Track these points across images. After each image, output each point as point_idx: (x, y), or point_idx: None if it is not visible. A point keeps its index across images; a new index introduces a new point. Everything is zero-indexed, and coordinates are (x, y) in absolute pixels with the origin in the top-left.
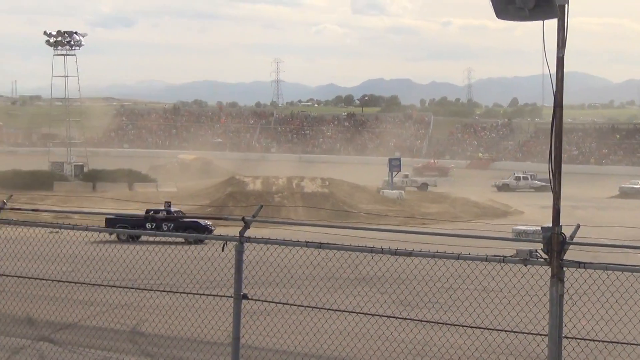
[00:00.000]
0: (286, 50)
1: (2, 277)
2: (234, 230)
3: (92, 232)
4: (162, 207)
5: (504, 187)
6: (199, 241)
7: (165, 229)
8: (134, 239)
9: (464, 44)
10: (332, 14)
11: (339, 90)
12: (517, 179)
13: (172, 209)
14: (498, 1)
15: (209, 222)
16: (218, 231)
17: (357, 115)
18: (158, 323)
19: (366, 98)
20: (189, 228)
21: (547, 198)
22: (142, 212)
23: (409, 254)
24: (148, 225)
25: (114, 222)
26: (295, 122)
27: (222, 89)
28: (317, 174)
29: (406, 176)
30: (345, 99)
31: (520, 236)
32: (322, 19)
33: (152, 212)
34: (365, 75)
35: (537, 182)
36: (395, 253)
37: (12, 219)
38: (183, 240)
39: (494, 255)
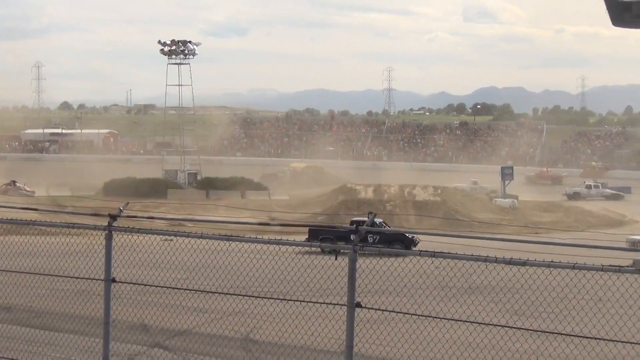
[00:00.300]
0: (398, 58)
1: (118, 284)
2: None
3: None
4: (364, 218)
5: (574, 196)
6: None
7: (370, 241)
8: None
9: (578, 51)
10: (444, 22)
11: (451, 99)
12: (588, 187)
13: (376, 219)
14: (614, 9)
15: (414, 235)
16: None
17: (469, 124)
18: (272, 331)
19: (478, 106)
20: (395, 240)
21: None
22: (255, 220)
23: (524, 263)
24: (353, 237)
25: (317, 234)
26: (406, 130)
27: (334, 97)
28: (429, 182)
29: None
30: (457, 107)
31: (635, 246)
32: (434, 27)
33: (358, 223)
34: (477, 83)
35: (607, 190)
36: (510, 262)
37: (128, 227)
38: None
39: (610, 265)
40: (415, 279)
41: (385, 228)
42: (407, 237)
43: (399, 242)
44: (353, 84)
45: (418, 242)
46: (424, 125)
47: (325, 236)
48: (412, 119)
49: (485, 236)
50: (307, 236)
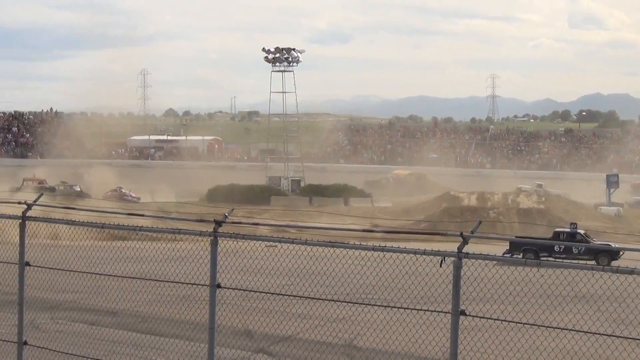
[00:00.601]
0: (502, 65)
1: (223, 290)
2: (451, 246)
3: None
4: (567, 229)
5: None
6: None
7: (575, 252)
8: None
9: None
10: (548, 29)
11: (556, 106)
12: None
13: (578, 230)
14: None
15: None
16: (433, 246)
17: (574, 131)
18: (375, 338)
19: (583, 113)
20: (601, 252)
21: None
22: (358, 227)
23: (631, 271)
24: (557, 247)
25: (519, 245)
26: (510, 137)
27: (438, 104)
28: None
29: None
30: (562, 114)
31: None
32: (539, 34)
33: (560, 234)
34: (582, 89)
35: None
36: (617, 271)
37: (233, 233)
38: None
39: None
40: (521, 286)
41: (589, 239)
42: (614, 247)
43: (604, 254)
44: (457, 90)
45: (621, 255)
46: (528, 132)
47: (527, 247)
48: (516, 126)
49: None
50: (507, 247)
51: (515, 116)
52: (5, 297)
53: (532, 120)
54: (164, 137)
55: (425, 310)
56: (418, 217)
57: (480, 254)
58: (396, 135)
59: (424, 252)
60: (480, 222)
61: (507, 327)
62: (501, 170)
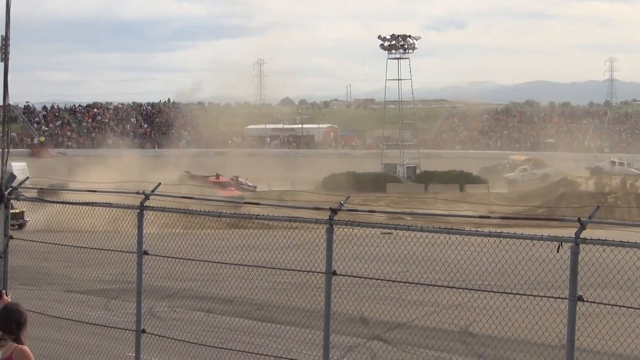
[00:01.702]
0: (621, 48)
1: (338, 277)
2: (568, 232)
3: None
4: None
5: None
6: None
7: None
8: None
9: None
10: None
11: None
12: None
13: None
14: None
15: None
16: (550, 232)
17: None
18: (491, 324)
19: None
20: None
21: None
22: (475, 213)
23: None
24: None
25: None
26: (629, 121)
27: (555, 88)
28: None
29: None
30: None
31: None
32: None
33: None
34: None
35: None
36: None
37: (348, 220)
38: None
39: None
40: None
41: None
42: None
43: None
44: (574, 75)
45: None
46: None
47: None
48: (636, 110)
49: None
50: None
51: (635, 100)
52: (124, 285)
53: None
54: (280, 126)
55: (542, 296)
56: (534, 202)
57: (598, 239)
58: (513, 120)
59: (541, 238)
60: (598, 207)
61: (625, 312)
62: (619, 154)
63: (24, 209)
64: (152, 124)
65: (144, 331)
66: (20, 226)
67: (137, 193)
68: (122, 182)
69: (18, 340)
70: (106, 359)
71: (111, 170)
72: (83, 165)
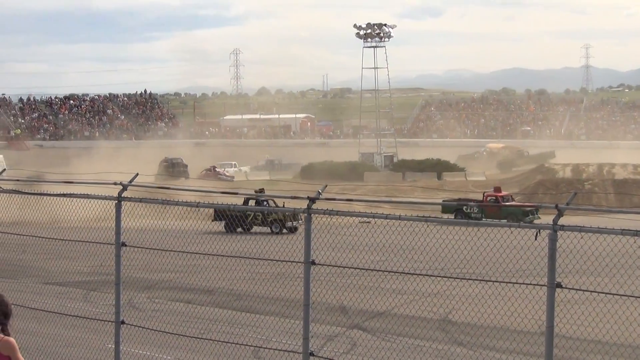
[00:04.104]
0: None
1: (317, 267)
2: (546, 219)
3: None
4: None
5: None
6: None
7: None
8: None
9: None
10: None
11: None
12: None
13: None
14: None
15: None
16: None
17: None
18: (470, 312)
19: None
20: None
21: None
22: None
23: None
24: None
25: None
26: (605, 108)
27: (531, 76)
28: (628, 160)
29: None
30: None
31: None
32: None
33: None
34: None
35: None
36: None
37: (326, 209)
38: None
39: None
40: (618, 258)
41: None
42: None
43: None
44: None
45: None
46: (624, 103)
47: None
48: (611, 97)
49: None
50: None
51: (610, 86)
52: (103, 277)
53: (627, 90)
54: (257, 116)
55: (520, 283)
56: (512, 190)
57: (576, 226)
58: (489, 108)
59: (519, 226)
60: (575, 194)
61: (603, 299)
62: (594, 142)
63: None
64: (128, 115)
65: (123, 322)
66: None
67: (115, 184)
68: (100, 173)
69: (4, 331)
70: (86, 351)
71: (91, 162)
72: (61, 157)
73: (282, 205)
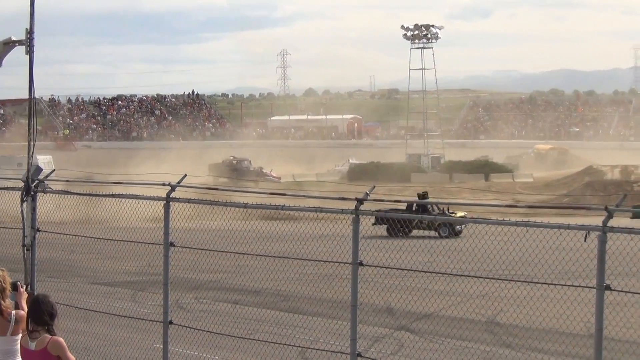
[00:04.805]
0: None
1: (364, 268)
2: (595, 220)
3: None
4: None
5: None
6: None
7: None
8: None
9: None
10: None
11: None
12: None
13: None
14: None
15: None
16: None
17: None
18: (518, 314)
19: None
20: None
21: None
22: (500, 203)
23: None
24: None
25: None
26: None
27: (579, 77)
28: None
29: None
30: None
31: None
32: None
33: None
34: None
35: None
36: None
37: (374, 210)
38: None
39: None
40: None
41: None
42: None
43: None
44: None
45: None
46: None
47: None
48: None
49: None
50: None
51: None
52: (151, 277)
53: None
54: (304, 117)
55: (569, 285)
56: (560, 191)
57: (626, 228)
58: (537, 109)
59: (568, 227)
60: (625, 196)
61: None
62: None
63: None
64: (176, 116)
65: (171, 322)
66: None
67: (163, 184)
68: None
69: (51, 331)
70: (134, 350)
71: (139, 163)
72: (109, 157)
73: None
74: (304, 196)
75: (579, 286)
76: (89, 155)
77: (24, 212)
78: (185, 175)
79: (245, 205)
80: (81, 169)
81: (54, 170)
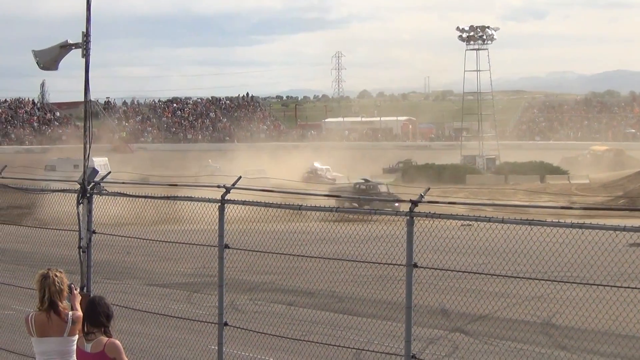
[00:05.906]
0: None
1: (419, 269)
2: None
3: None
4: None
5: None
6: None
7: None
8: None
9: None
10: None
11: None
12: None
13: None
14: None
15: None
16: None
17: None
18: (574, 316)
19: None
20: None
21: None
22: (556, 204)
23: None
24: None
25: None
26: None
27: (635, 78)
28: None
29: None
30: None
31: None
32: None
33: None
34: None
35: None
36: None
37: (429, 212)
38: None
39: None
40: None
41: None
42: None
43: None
44: None
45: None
46: None
47: None
48: None
49: None
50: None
51: None
52: (206, 279)
53: None
54: (359, 119)
55: (625, 287)
56: (616, 193)
57: None
58: (593, 110)
59: (624, 229)
60: None
61: None
62: None
63: None
64: (230, 118)
65: (226, 324)
66: None
67: (218, 187)
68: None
69: (107, 333)
70: (189, 352)
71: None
72: (164, 159)
73: None
74: (359, 198)
75: (636, 288)
76: (144, 157)
77: (80, 215)
78: (240, 177)
79: (300, 208)
80: (137, 172)
81: (109, 172)
